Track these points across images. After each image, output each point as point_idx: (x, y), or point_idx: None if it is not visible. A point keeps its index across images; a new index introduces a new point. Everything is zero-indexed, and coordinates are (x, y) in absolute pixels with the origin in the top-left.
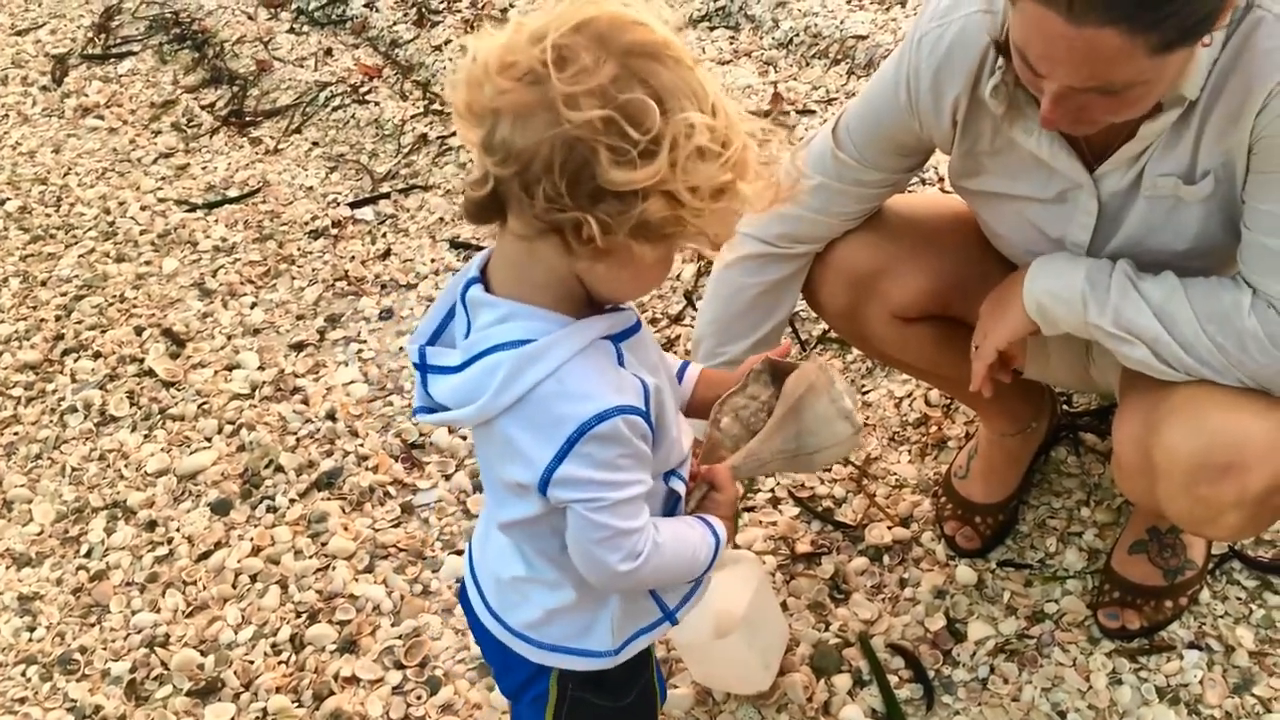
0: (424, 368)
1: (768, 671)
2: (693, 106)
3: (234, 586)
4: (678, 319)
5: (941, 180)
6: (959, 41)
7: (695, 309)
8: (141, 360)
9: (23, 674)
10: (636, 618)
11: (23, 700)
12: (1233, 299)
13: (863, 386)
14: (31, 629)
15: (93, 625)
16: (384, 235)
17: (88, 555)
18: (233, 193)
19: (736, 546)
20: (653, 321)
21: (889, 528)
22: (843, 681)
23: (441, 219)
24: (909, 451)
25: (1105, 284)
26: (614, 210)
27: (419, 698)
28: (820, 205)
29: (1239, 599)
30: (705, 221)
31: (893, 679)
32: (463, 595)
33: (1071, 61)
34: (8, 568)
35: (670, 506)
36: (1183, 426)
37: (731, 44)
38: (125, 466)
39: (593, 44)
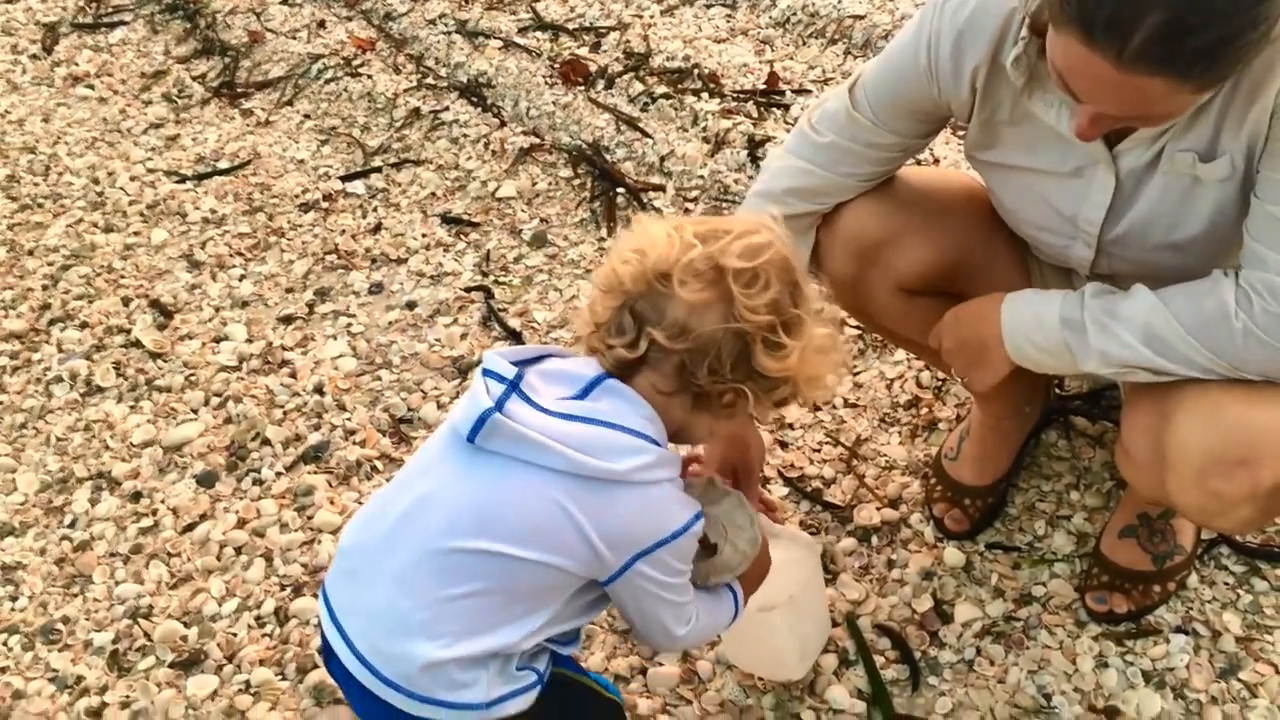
0: (514, 385)
1: (804, 661)
2: (814, 319)
3: (218, 559)
4: None
5: (937, 162)
6: (982, 8)
7: None
8: (128, 331)
9: (4, 643)
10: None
11: (4, 669)
12: (1216, 303)
13: (854, 368)
14: (14, 598)
15: (75, 596)
16: (375, 209)
17: (71, 525)
18: (223, 164)
19: None
20: None
21: (878, 509)
22: (829, 662)
23: (433, 194)
24: (899, 433)
25: (1082, 326)
26: (762, 388)
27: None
28: (829, 162)
29: (1227, 584)
30: (810, 396)
31: (879, 660)
32: (367, 701)
33: (1117, 101)
34: None
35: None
36: (1196, 419)
37: (728, 22)
38: (111, 437)
39: (766, 266)
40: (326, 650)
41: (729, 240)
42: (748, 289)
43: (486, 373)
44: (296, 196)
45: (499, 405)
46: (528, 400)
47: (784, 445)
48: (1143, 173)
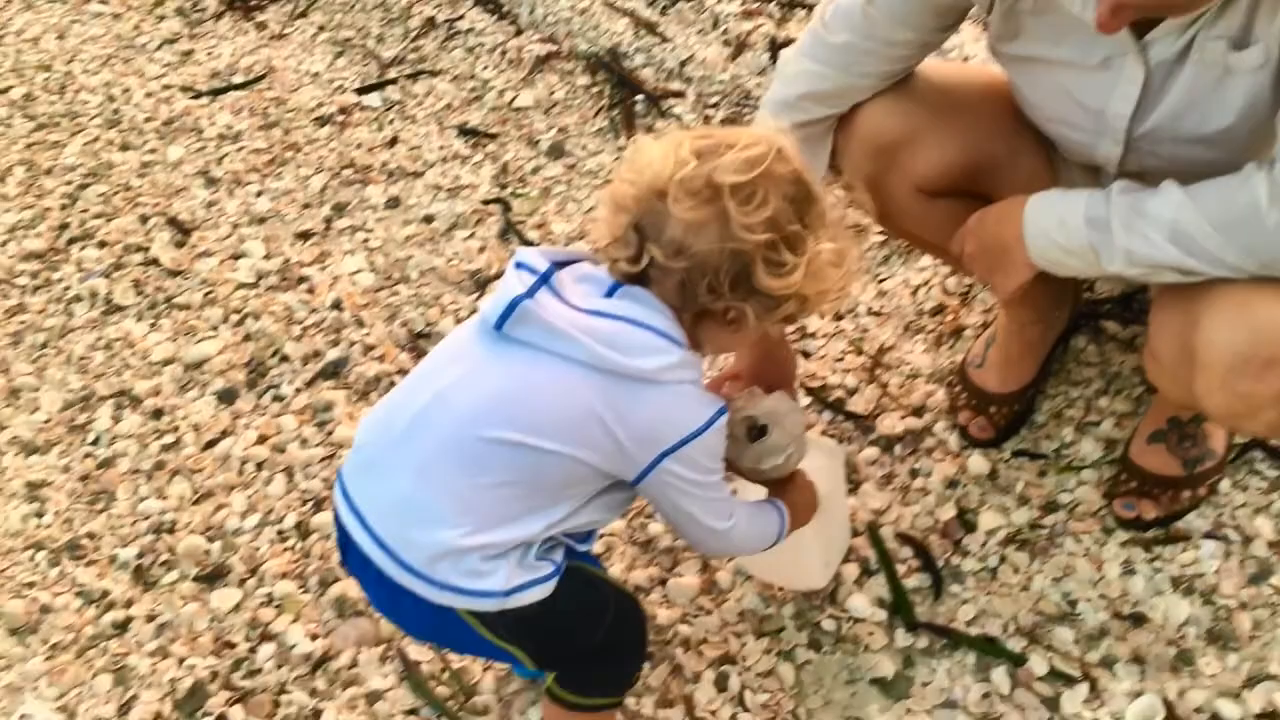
0: (546, 278)
1: (827, 569)
2: (825, 234)
3: (240, 474)
4: None
5: (967, 61)
6: None
7: None
8: (147, 249)
9: (31, 559)
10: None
11: (31, 585)
12: (1248, 198)
13: (879, 275)
14: (40, 515)
15: (100, 512)
16: (391, 122)
17: (95, 443)
18: (238, 79)
19: None
20: None
21: (901, 418)
22: (850, 571)
23: (449, 105)
24: (924, 340)
25: (1107, 224)
26: (764, 306)
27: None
28: (844, 64)
29: (1259, 489)
30: (817, 309)
31: (901, 569)
32: (386, 592)
33: None
34: (16, 455)
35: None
36: (1225, 319)
37: None
38: (131, 355)
39: (763, 181)
40: (343, 540)
41: (725, 155)
42: (744, 206)
43: (519, 265)
44: (312, 111)
45: (530, 293)
46: (557, 295)
47: (806, 355)
48: (1173, 64)
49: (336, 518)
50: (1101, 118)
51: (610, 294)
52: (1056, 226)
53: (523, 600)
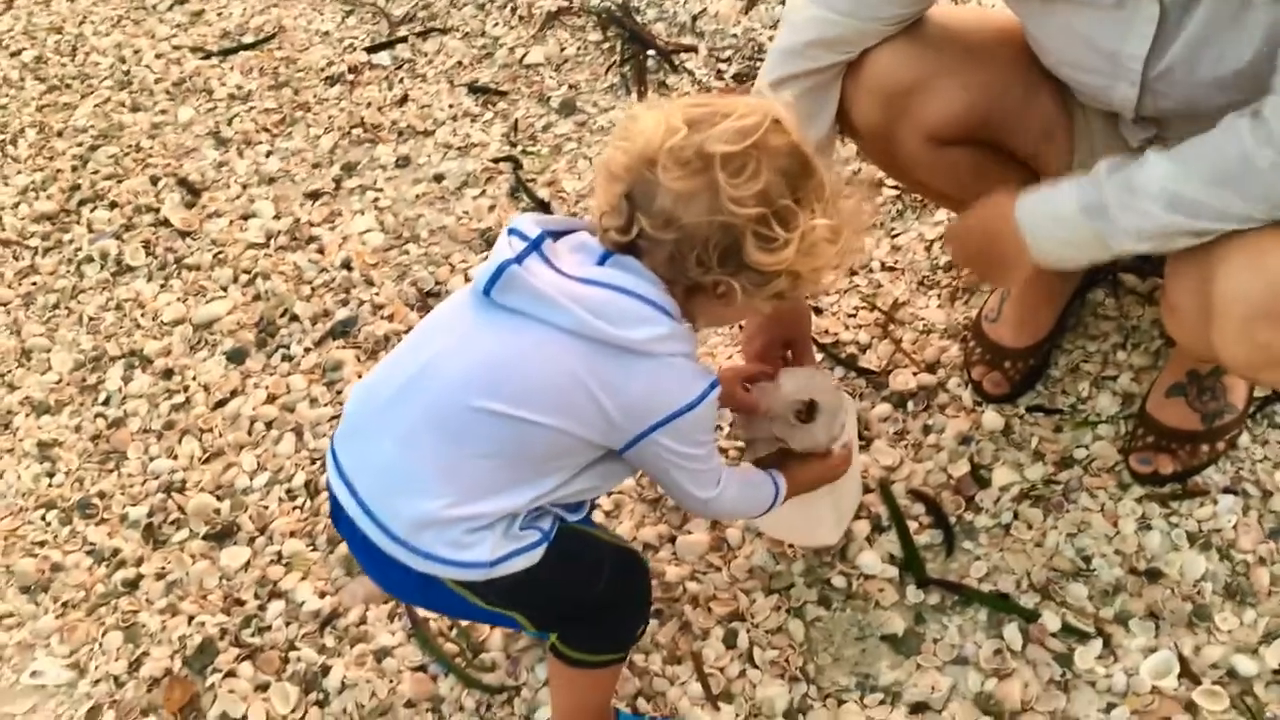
0: (536, 244)
1: (838, 527)
2: (820, 209)
3: (249, 434)
4: None
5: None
6: None
7: None
8: (157, 210)
9: (43, 518)
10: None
11: (43, 543)
12: (1238, 150)
13: (892, 230)
14: (51, 474)
15: (111, 471)
16: (401, 81)
17: (105, 403)
18: (248, 39)
19: None
20: None
21: (914, 374)
22: (861, 528)
23: (460, 63)
24: (938, 296)
25: (1104, 209)
26: (754, 281)
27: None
28: (853, 8)
29: None
30: (813, 288)
31: (913, 525)
32: (375, 559)
33: None
34: (27, 415)
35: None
36: (1241, 269)
37: None
38: (142, 316)
39: (756, 152)
40: (335, 507)
41: (718, 124)
42: (735, 178)
43: (511, 231)
44: (322, 70)
45: (519, 259)
46: (548, 262)
47: (819, 311)
48: (1187, 1)
49: (328, 484)
50: (1116, 59)
51: (602, 262)
52: (1054, 224)
53: (508, 569)
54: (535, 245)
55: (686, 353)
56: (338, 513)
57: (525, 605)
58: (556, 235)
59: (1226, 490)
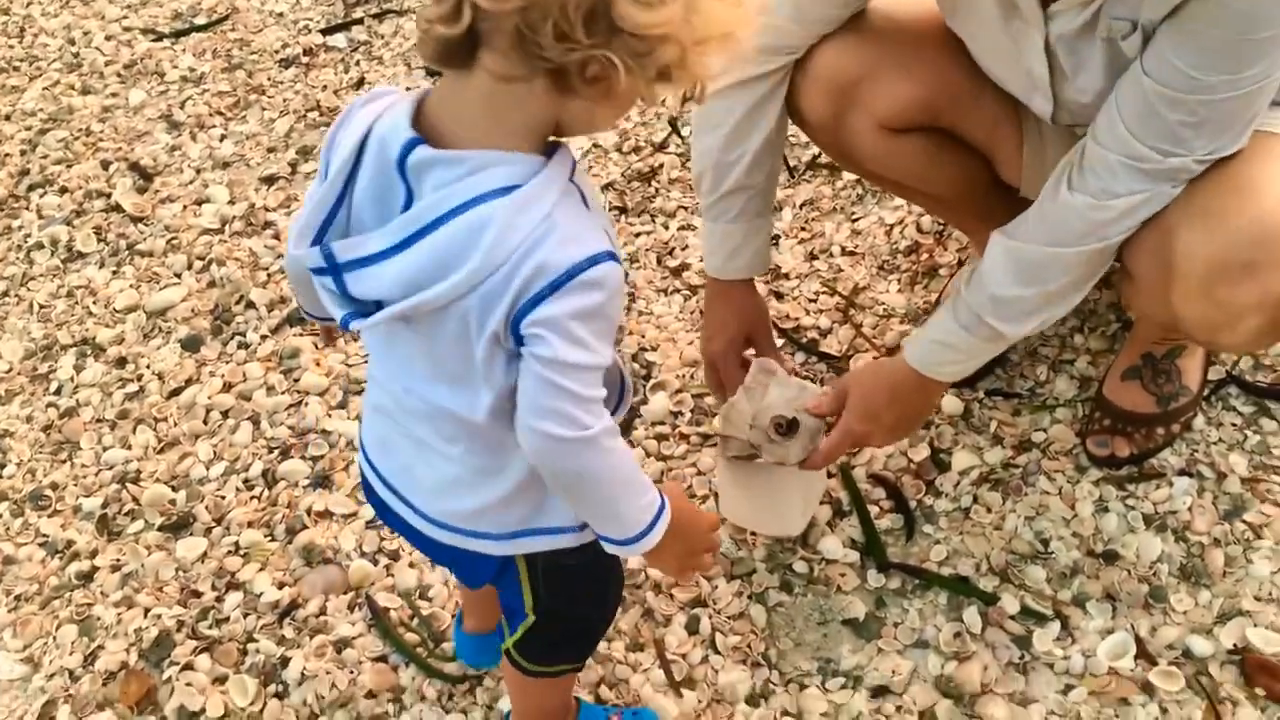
0: (339, 267)
1: (804, 517)
2: None
3: (205, 423)
4: (661, 147)
5: None
6: None
7: (680, 136)
8: (109, 195)
9: None
10: None
11: None
12: (1064, 217)
13: (853, 214)
14: (2, 466)
15: (64, 462)
16: (357, 63)
17: (57, 392)
18: (200, 20)
19: None
20: (635, 150)
21: (875, 358)
22: (822, 513)
23: (416, 45)
24: (898, 280)
25: (979, 319)
26: (633, 53)
27: (391, 531)
28: (794, 13)
29: (1234, 425)
30: (704, 66)
31: (873, 510)
32: (382, 508)
33: None
34: None
35: (613, 383)
36: (1200, 227)
37: None
38: (94, 303)
39: None
40: (367, 488)
41: None
42: None
43: (314, 271)
44: (276, 52)
45: (345, 323)
46: (360, 265)
47: (779, 296)
48: (1076, 39)
49: (365, 482)
50: (1030, 75)
51: (409, 193)
52: (945, 350)
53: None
54: (335, 271)
55: (557, 199)
56: (371, 493)
57: (553, 586)
58: (337, 202)
59: (1182, 473)
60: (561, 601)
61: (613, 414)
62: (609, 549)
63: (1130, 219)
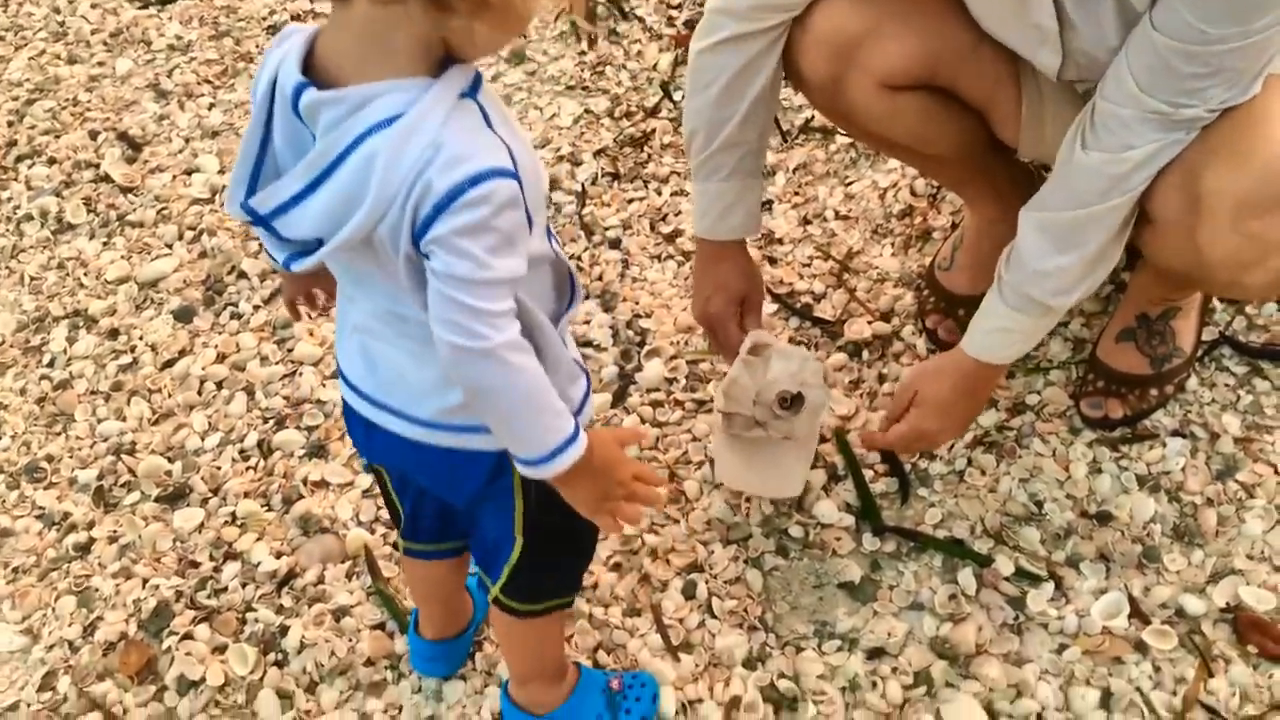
0: (264, 218)
1: (802, 477)
2: None
3: (200, 394)
4: (654, 112)
5: None
6: None
7: (672, 100)
8: (97, 165)
9: None
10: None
11: None
12: (1084, 178)
13: (846, 178)
14: None
15: (58, 434)
16: None
17: (50, 365)
18: None
19: None
20: (628, 115)
21: (869, 323)
22: (817, 477)
23: None
24: (892, 244)
25: (1029, 298)
26: None
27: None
28: None
29: (1227, 385)
30: None
31: (868, 474)
32: (361, 433)
33: None
34: None
35: (561, 280)
36: (1227, 163)
37: None
38: (85, 275)
39: None
40: (349, 416)
41: None
42: None
43: (250, 224)
44: (264, 19)
45: (286, 264)
46: (282, 211)
47: (772, 261)
48: None
49: (347, 409)
50: (1040, 29)
51: (310, 135)
52: (1011, 340)
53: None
54: (263, 220)
55: (446, 112)
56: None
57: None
58: (256, 165)
59: (1175, 433)
60: (555, 514)
61: (566, 309)
62: (519, 468)
63: (1149, 168)
